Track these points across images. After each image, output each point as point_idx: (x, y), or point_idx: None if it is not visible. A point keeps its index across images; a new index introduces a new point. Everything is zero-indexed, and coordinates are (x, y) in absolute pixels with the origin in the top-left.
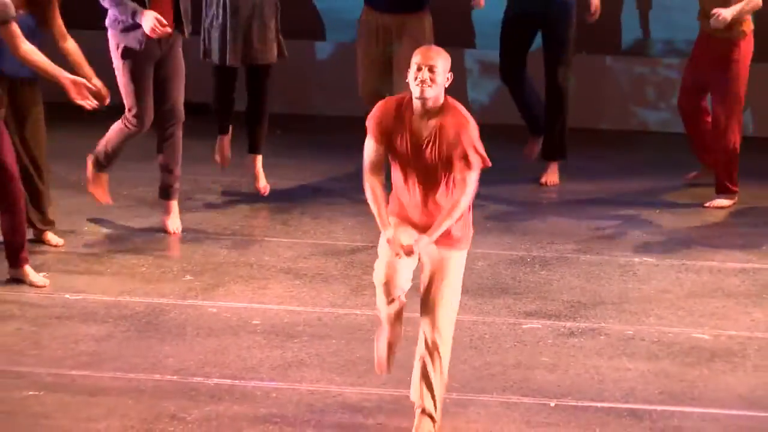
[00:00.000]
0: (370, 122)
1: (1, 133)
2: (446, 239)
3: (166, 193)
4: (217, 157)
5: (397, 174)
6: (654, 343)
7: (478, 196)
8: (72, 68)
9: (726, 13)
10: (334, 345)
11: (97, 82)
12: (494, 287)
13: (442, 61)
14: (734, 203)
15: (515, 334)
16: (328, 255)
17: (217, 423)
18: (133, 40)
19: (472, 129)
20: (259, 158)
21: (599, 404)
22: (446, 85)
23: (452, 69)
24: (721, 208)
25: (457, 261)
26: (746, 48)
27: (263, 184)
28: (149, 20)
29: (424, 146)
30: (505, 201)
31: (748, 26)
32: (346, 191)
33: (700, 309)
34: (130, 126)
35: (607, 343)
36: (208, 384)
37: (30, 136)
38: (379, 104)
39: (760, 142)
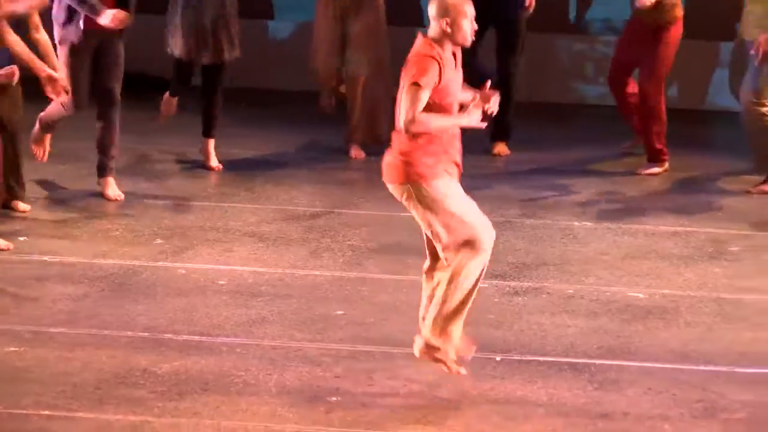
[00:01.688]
0: (432, 73)
1: None
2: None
3: (102, 171)
4: (163, 108)
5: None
6: (593, 301)
7: None
8: (41, 58)
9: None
10: (295, 303)
11: (62, 75)
12: None
13: None
14: (665, 170)
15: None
16: (289, 220)
17: (185, 376)
18: (72, 34)
19: None
20: (212, 141)
21: (542, 358)
22: None
23: (405, 48)
24: (653, 174)
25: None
26: (676, 32)
27: (215, 164)
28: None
29: (460, 81)
30: None
31: (680, 11)
32: (307, 160)
33: (635, 269)
34: (65, 108)
35: (549, 302)
36: (178, 340)
37: (7, 113)
38: (430, 58)
39: (687, 114)
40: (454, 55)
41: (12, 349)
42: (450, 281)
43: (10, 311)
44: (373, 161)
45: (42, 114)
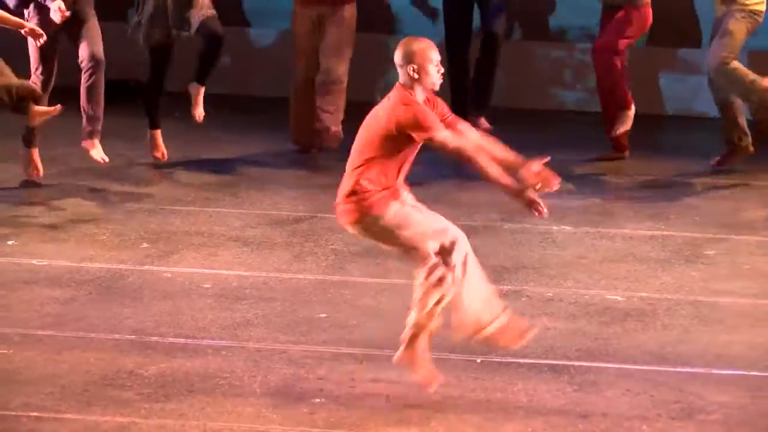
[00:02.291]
0: (434, 122)
1: None
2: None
3: (90, 134)
4: (157, 153)
5: (397, 161)
6: (572, 304)
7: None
8: None
9: None
10: (279, 306)
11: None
12: None
13: None
14: (633, 112)
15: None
16: (273, 224)
17: (171, 378)
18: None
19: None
20: (203, 89)
21: (522, 360)
22: None
23: (375, 55)
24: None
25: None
26: (639, 15)
27: (200, 112)
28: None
29: None
30: (435, 175)
31: None
32: (290, 165)
33: (613, 273)
34: (38, 84)
35: (528, 304)
36: (164, 342)
37: None
38: (420, 107)
39: (672, 120)
40: (427, 100)
41: (1, 351)
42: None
43: None
44: None
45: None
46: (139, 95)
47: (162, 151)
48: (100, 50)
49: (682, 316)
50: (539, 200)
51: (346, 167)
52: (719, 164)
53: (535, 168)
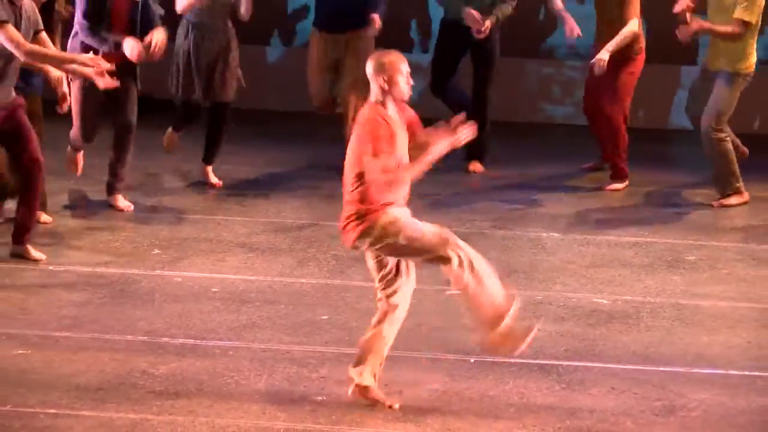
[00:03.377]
0: (383, 134)
1: (28, 130)
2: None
3: (111, 190)
4: (166, 143)
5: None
6: (560, 307)
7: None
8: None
9: (605, 56)
10: (283, 309)
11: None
12: None
13: None
14: (626, 186)
15: (440, 300)
16: (277, 231)
17: (181, 377)
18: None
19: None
20: (211, 168)
21: (512, 360)
22: None
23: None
24: (616, 190)
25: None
26: (639, 62)
27: (215, 181)
28: (129, 47)
29: (402, 133)
30: (431, 184)
31: (642, 43)
32: (294, 176)
33: (599, 277)
34: (76, 141)
35: (518, 307)
36: (174, 343)
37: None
38: (374, 122)
39: (650, 133)
40: (398, 110)
41: (20, 351)
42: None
43: (18, 316)
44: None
45: (70, 134)
46: (151, 110)
47: (172, 150)
48: (134, 117)
49: (665, 318)
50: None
51: (343, 191)
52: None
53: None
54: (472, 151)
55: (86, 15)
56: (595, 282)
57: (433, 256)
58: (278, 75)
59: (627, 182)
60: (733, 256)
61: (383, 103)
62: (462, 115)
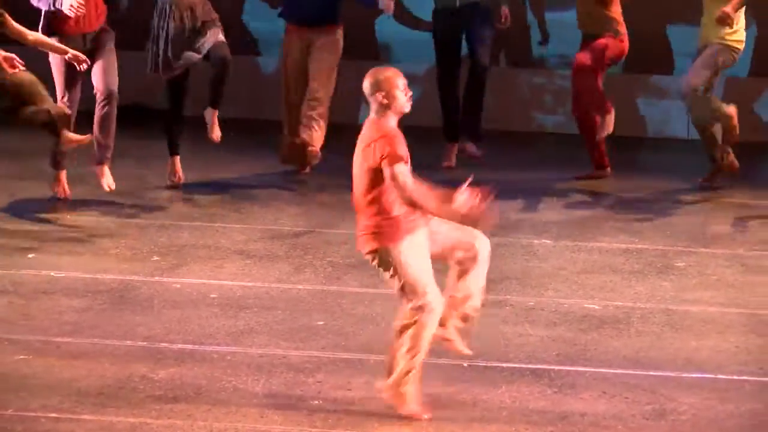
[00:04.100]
0: (401, 145)
1: None
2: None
3: (100, 159)
4: (172, 178)
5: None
6: (552, 312)
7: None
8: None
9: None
10: (280, 315)
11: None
12: None
13: None
14: (607, 175)
15: None
16: (274, 238)
17: (180, 382)
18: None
19: None
20: (216, 112)
21: (505, 365)
22: None
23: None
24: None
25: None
26: (616, 44)
27: (217, 133)
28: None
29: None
30: None
31: (622, 28)
32: (291, 184)
33: (590, 283)
34: (64, 106)
35: (511, 313)
36: (173, 349)
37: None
38: (391, 136)
39: (651, 142)
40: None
41: (21, 357)
42: (412, 338)
43: (20, 322)
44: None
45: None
46: (149, 119)
47: (179, 175)
48: (114, 84)
49: (655, 324)
50: (478, 209)
51: (355, 202)
52: (706, 181)
53: (462, 196)
54: (468, 129)
55: None
56: (586, 288)
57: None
58: (273, 85)
59: (607, 173)
60: (722, 263)
61: (384, 117)
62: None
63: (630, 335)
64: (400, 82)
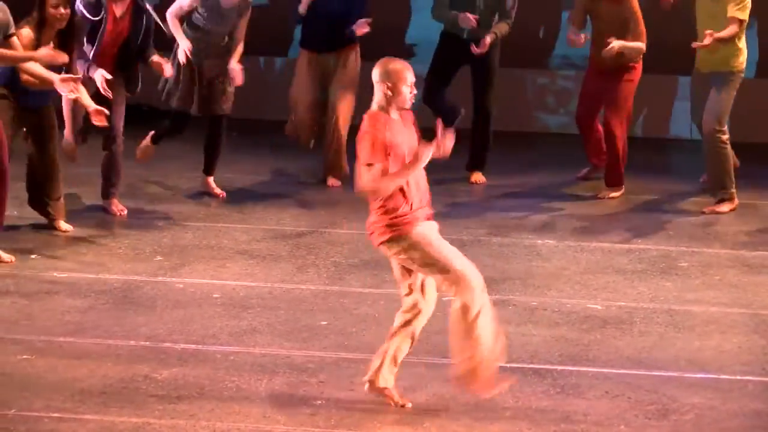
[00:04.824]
0: (376, 146)
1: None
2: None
3: (106, 195)
4: (139, 154)
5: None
6: (554, 312)
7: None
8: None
9: (615, 45)
10: (283, 315)
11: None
12: None
13: None
14: (622, 194)
15: (437, 306)
16: (277, 238)
17: (183, 382)
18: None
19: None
20: (212, 178)
21: (508, 365)
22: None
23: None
24: (612, 198)
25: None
26: (638, 71)
27: (219, 192)
28: (98, 77)
29: (410, 135)
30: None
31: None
32: (294, 184)
33: (593, 283)
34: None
35: (514, 313)
36: (176, 348)
37: (52, 148)
38: (368, 135)
39: (646, 142)
40: (404, 116)
41: (25, 357)
42: (464, 331)
43: (23, 322)
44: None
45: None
46: (152, 120)
47: (145, 161)
48: (121, 125)
49: (657, 324)
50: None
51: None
52: (706, 182)
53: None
54: (475, 162)
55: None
56: (589, 288)
57: (448, 278)
58: (277, 86)
59: (622, 191)
60: (724, 263)
61: (386, 109)
62: (439, 120)
63: (633, 335)
64: (408, 77)
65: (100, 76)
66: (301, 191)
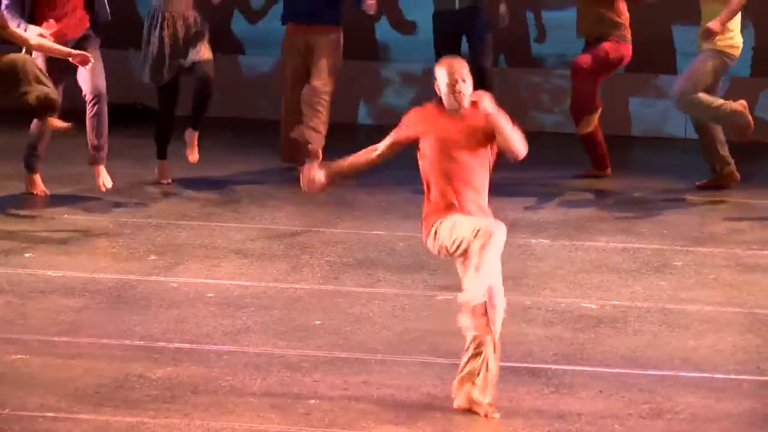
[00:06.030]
0: (405, 120)
1: None
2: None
3: (94, 160)
4: (160, 178)
5: (435, 174)
6: (549, 312)
7: (402, 187)
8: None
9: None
10: (277, 314)
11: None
12: (413, 265)
13: (466, 69)
14: (605, 175)
15: (431, 305)
16: (271, 237)
17: (177, 381)
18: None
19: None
20: (196, 134)
21: (502, 364)
22: None
23: (374, 80)
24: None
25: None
26: (619, 49)
27: (195, 156)
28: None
29: (463, 140)
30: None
31: (628, 33)
32: (288, 183)
33: (587, 283)
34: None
35: (508, 312)
36: (170, 348)
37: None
38: (409, 114)
39: (641, 142)
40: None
41: (19, 356)
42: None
43: (17, 321)
44: (348, 186)
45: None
46: (146, 119)
47: (168, 178)
48: (102, 85)
49: (652, 323)
50: None
51: None
52: (703, 187)
53: None
54: None
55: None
56: (583, 287)
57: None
58: (269, 84)
59: (607, 171)
60: (719, 262)
61: (441, 101)
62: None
63: (627, 334)
64: (443, 79)
65: (34, 33)
66: (295, 191)
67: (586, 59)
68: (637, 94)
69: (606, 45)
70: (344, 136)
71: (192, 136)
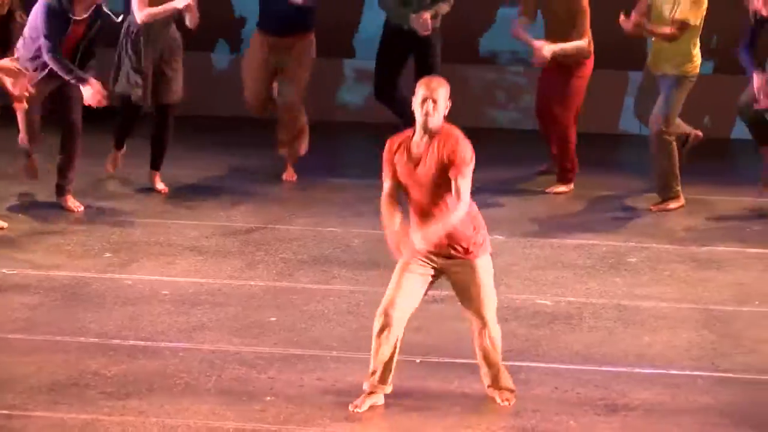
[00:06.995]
0: (384, 166)
1: None
2: (467, 252)
3: (61, 191)
4: (109, 167)
5: (409, 199)
6: (504, 308)
7: (357, 184)
8: None
9: (548, 53)
10: (232, 311)
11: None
12: (368, 261)
13: (443, 91)
14: (570, 190)
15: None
16: (227, 235)
17: (132, 378)
18: (33, 76)
19: (465, 148)
20: (159, 174)
21: (458, 360)
22: (445, 112)
23: (330, 77)
24: (560, 193)
25: (485, 266)
26: (588, 67)
27: (161, 187)
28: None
29: (422, 165)
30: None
31: (591, 47)
32: (243, 180)
33: (542, 279)
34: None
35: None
36: (125, 345)
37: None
38: (386, 145)
39: (595, 138)
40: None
41: None
42: None
43: None
44: (304, 183)
45: (19, 139)
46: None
47: (114, 170)
48: (78, 118)
49: (607, 319)
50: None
51: None
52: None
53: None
54: None
55: (50, 36)
56: (538, 284)
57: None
58: (226, 81)
59: (571, 186)
60: (673, 258)
61: (414, 128)
62: None
63: (582, 331)
64: (416, 99)
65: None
66: (251, 188)
67: (560, 110)
68: (593, 90)
69: (576, 83)
70: (319, 134)
71: (154, 175)
